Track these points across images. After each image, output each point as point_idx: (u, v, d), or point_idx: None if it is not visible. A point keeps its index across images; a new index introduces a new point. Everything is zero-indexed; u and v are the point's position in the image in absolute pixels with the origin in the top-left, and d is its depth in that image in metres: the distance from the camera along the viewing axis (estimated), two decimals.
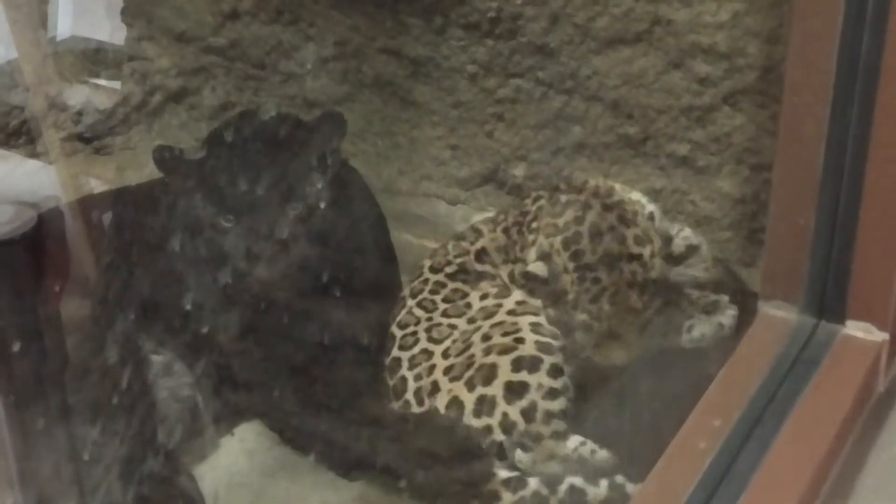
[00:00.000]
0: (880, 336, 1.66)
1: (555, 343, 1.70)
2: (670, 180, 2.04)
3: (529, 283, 1.71)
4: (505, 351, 1.67)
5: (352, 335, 1.82)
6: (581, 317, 1.67)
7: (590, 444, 1.67)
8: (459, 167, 2.24)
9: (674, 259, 1.72)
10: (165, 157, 1.81)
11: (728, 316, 1.82)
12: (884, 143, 1.54)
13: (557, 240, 1.70)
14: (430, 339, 1.77)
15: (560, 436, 1.66)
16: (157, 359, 1.81)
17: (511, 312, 1.74)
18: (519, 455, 1.66)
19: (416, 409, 1.71)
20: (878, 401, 1.67)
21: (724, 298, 1.84)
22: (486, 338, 1.71)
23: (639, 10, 1.94)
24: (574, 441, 1.66)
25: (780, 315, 1.69)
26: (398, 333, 1.81)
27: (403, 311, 1.83)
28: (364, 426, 1.73)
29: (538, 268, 1.70)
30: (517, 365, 1.66)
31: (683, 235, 1.90)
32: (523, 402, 1.65)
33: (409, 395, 1.73)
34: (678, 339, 1.81)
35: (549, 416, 1.65)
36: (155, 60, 2.48)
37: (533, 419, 1.64)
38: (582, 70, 2.03)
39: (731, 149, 1.96)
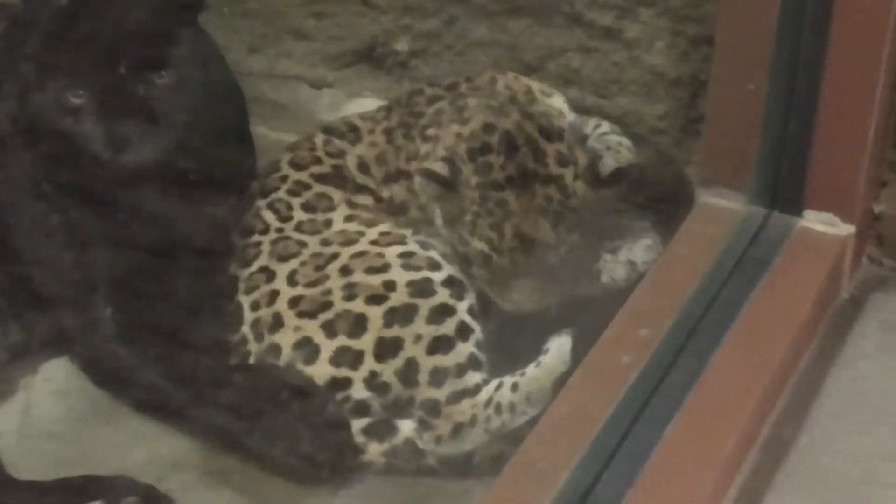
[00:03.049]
0: (845, 229, 1.71)
1: (435, 276, 1.69)
2: (591, 56, 2.04)
3: (427, 183, 1.70)
4: (374, 300, 1.68)
5: (192, 238, 1.82)
6: (479, 245, 1.66)
7: (510, 378, 1.64)
8: (326, 41, 2.23)
9: (600, 184, 1.72)
10: None
11: (641, 249, 1.83)
12: None
13: (462, 148, 1.70)
14: (274, 256, 1.77)
15: (467, 393, 1.64)
16: None
17: (374, 243, 1.75)
18: (420, 436, 1.65)
19: (253, 346, 1.71)
20: (841, 308, 1.73)
21: (641, 225, 1.86)
22: (345, 271, 1.71)
23: None
24: (487, 391, 1.64)
25: (722, 204, 1.72)
26: (239, 243, 1.82)
27: (249, 214, 1.84)
28: (197, 362, 1.73)
29: (439, 167, 1.69)
30: (389, 319, 1.66)
31: (601, 132, 1.90)
32: (397, 362, 1.65)
33: (246, 328, 1.73)
34: (590, 286, 1.82)
35: (441, 374, 1.63)
36: None
37: (415, 382, 1.64)
38: None
39: (666, 16, 1.95)
